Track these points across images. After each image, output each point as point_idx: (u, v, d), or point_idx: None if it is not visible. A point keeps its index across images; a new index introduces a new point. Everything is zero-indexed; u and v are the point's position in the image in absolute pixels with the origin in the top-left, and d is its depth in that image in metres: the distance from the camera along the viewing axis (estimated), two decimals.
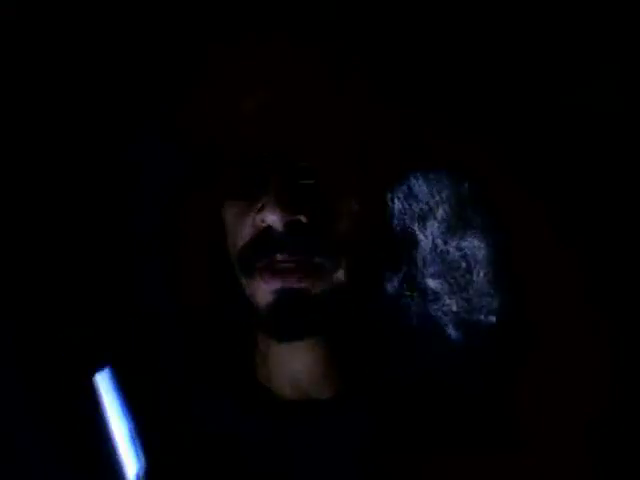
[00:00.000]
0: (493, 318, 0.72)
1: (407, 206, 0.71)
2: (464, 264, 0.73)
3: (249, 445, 0.61)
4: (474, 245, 0.73)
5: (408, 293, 0.72)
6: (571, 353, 0.71)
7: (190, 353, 0.71)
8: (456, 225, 0.73)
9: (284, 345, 0.71)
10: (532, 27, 0.76)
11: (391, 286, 0.71)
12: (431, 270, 0.72)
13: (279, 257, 0.66)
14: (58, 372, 0.70)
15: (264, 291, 0.66)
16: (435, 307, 0.72)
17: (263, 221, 0.65)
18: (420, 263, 0.72)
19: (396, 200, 0.70)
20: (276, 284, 0.66)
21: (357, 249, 0.68)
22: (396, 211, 0.70)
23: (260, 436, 0.66)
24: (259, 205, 0.66)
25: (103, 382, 0.64)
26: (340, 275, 0.67)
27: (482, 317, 0.72)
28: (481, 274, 0.72)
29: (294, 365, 0.72)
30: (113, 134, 0.77)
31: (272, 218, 0.64)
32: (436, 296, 0.72)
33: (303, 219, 0.65)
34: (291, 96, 0.66)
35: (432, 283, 0.72)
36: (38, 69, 0.76)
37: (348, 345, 0.72)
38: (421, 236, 0.72)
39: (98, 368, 0.65)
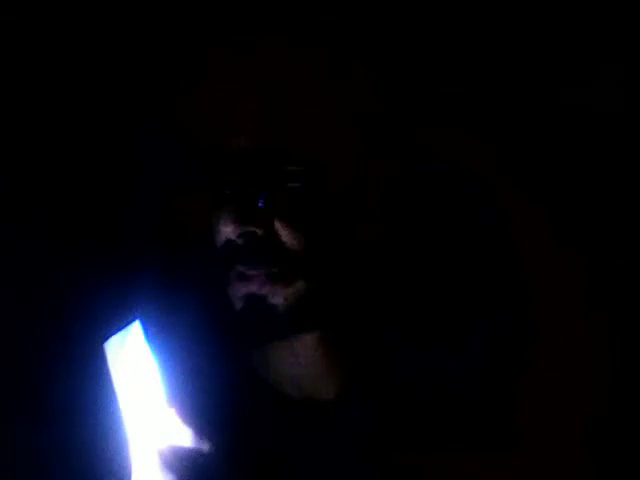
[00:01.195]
0: (494, 318, 0.72)
1: (408, 206, 0.71)
2: (464, 266, 0.73)
3: (252, 444, 0.61)
4: (475, 247, 0.73)
5: (409, 297, 0.72)
6: (571, 353, 0.71)
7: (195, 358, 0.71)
8: (457, 226, 0.73)
9: (293, 349, 0.71)
10: (532, 27, 0.76)
11: (392, 290, 0.71)
12: (431, 273, 0.72)
13: (240, 268, 0.66)
14: (69, 339, 0.71)
15: (235, 297, 0.68)
16: (435, 311, 0.72)
17: (230, 235, 0.66)
18: (420, 265, 0.72)
19: (398, 200, 0.70)
20: (242, 290, 0.67)
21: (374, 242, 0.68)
22: (397, 212, 0.70)
23: (263, 435, 0.66)
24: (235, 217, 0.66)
25: (113, 350, 0.64)
26: (301, 285, 0.67)
27: (483, 317, 0.72)
28: (482, 275, 0.73)
29: (297, 365, 0.72)
30: (113, 133, 0.77)
31: (226, 230, 0.66)
32: (437, 299, 0.72)
33: (259, 231, 0.65)
34: (290, 97, 0.66)
35: (432, 286, 0.72)
36: (39, 69, 0.76)
37: (350, 347, 0.72)
38: (421, 238, 0.72)
39: (107, 336, 0.64)
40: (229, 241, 0.66)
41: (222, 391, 0.71)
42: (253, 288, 0.66)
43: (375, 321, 0.72)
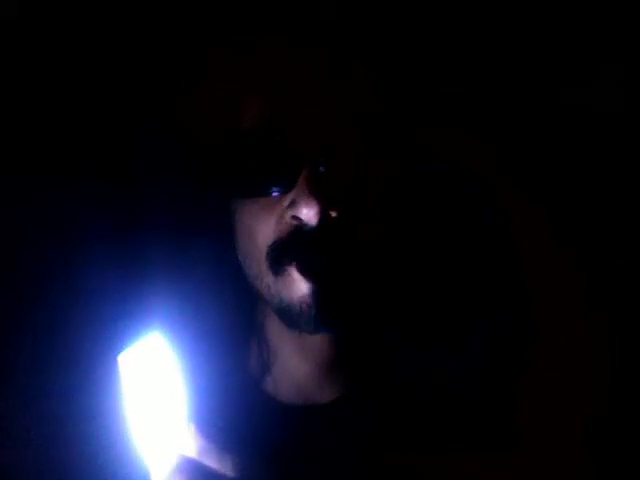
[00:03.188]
0: (494, 318, 0.72)
1: (408, 206, 0.71)
2: (464, 266, 0.73)
3: (253, 449, 0.61)
4: (475, 247, 0.73)
5: (409, 297, 0.72)
6: (571, 353, 0.71)
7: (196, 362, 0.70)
8: (457, 226, 0.73)
9: (293, 352, 0.71)
10: (532, 27, 0.76)
11: (391, 290, 0.71)
12: (431, 273, 0.72)
13: (311, 255, 0.65)
14: (82, 352, 0.70)
15: (296, 285, 0.66)
16: (436, 311, 0.72)
17: (294, 217, 0.65)
18: (419, 265, 0.72)
19: (398, 200, 0.70)
20: (308, 279, 0.66)
21: (374, 242, 0.68)
22: (397, 212, 0.70)
23: (264, 439, 0.66)
24: (286, 202, 0.66)
25: (127, 362, 0.62)
26: (358, 271, 0.67)
27: (483, 317, 0.72)
28: (482, 275, 0.73)
29: (301, 370, 0.72)
30: (112, 133, 0.77)
31: (306, 212, 0.64)
32: (437, 299, 0.72)
33: (334, 213, 0.65)
34: (290, 97, 0.66)
35: (432, 286, 0.72)
36: (39, 69, 0.75)
37: (353, 349, 0.72)
38: (421, 238, 0.72)
39: (122, 348, 0.63)
40: (297, 227, 0.65)
41: (227, 396, 0.71)
42: (321, 275, 0.65)
43: (375, 321, 0.72)
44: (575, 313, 0.73)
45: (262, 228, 0.67)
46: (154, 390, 0.61)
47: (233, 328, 0.75)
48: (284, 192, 0.66)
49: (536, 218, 0.74)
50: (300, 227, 0.65)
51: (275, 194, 0.67)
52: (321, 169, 0.65)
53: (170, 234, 0.74)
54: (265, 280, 0.68)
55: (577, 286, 0.73)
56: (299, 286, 0.66)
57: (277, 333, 0.72)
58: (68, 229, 0.75)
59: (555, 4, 0.76)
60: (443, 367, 0.71)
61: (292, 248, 0.66)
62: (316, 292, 0.66)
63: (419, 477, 0.67)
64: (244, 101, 0.68)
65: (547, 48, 0.76)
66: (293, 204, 0.65)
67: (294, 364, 0.72)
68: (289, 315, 0.68)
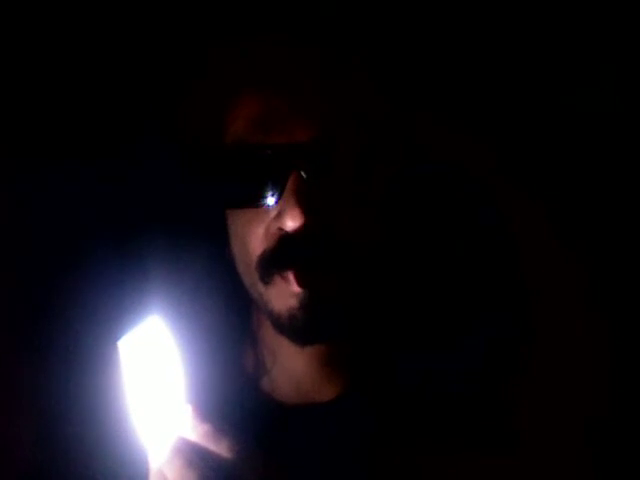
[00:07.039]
0: (494, 318, 0.72)
1: (408, 206, 0.71)
2: (464, 267, 0.73)
3: (253, 449, 0.60)
4: (474, 247, 0.73)
5: (409, 297, 0.72)
6: (571, 355, 0.71)
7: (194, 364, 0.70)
8: (457, 226, 0.73)
9: (292, 351, 0.70)
10: (532, 27, 0.76)
11: (391, 290, 0.71)
12: (431, 273, 0.72)
13: (299, 266, 0.65)
14: (79, 340, 0.71)
15: (285, 296, 0.66)
16: (436, 311, 0.72)
17: (280, 229, 0.65)
18: (419, 266, 0.72)
19: (397, 200, 0.70)
20: (297, 289, 0.65)
21: (367, 247, 0.68)
22: (397, 212, 0.70)
23: (263, 439, 0.66)
24: (274, 212, 0.65)
25: (127, 348, 0.62)
26: (353, 277, 0.67)
27: (483, 317, 0.72)
28: (482, 276, 0.73)
29: (299, 369, 0.72)
30: (112, 134, 0.77)
31: (291, 225, 0.63)
32: (437, 299, 0.72)
33: (321, 222, 0.64)
34: (290, 97, 0.66)
35: (432, 286, 0.72)
36: (39, 70, 0.76)
37: (351, 348, 0.72)
38: (422, 239, 0.72)
39: (122, 334, 0.63)
40: (285, 238, 0.65)
41: (223, 394, 0.71)
42: (309, 284, 0.65)
43: (375, 321, 0.72)
44: (575, 313, 0.73)
45: (252, 238, 0.67)
46: (153, 374, 0.61)
47: (230, 325, 0.75)
48: (273, 202, 0.65)
49: (536, 218, 0.74)
50: (287, 238, 0.65)
51: (265, 204, 0.66)
52: (311, 177, 0.64)
53: (170, 228, 0.74)
54: (257, 289, 0.68)
55: (577, 286, 0.73)
56: (288, 298, 0.65)
57: (275, 332, 0.72)
58: (68, 221, 0.75)
59: (555, 5, 0.76)
60: (443, 367, 0.71)
61: (281, 259, 0.65)
62: (306, 305, 0.65)
63: (419, 477, 0.67)
64: (244, 101, 0.68)
65: (547, 49, 0.76)
66: (279, 215, 0.65)
67: (292, 363, 0.72)
68: (279, 325, 0.67)
